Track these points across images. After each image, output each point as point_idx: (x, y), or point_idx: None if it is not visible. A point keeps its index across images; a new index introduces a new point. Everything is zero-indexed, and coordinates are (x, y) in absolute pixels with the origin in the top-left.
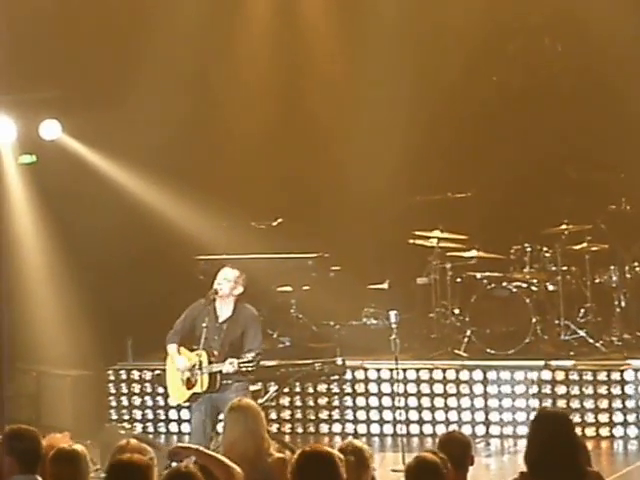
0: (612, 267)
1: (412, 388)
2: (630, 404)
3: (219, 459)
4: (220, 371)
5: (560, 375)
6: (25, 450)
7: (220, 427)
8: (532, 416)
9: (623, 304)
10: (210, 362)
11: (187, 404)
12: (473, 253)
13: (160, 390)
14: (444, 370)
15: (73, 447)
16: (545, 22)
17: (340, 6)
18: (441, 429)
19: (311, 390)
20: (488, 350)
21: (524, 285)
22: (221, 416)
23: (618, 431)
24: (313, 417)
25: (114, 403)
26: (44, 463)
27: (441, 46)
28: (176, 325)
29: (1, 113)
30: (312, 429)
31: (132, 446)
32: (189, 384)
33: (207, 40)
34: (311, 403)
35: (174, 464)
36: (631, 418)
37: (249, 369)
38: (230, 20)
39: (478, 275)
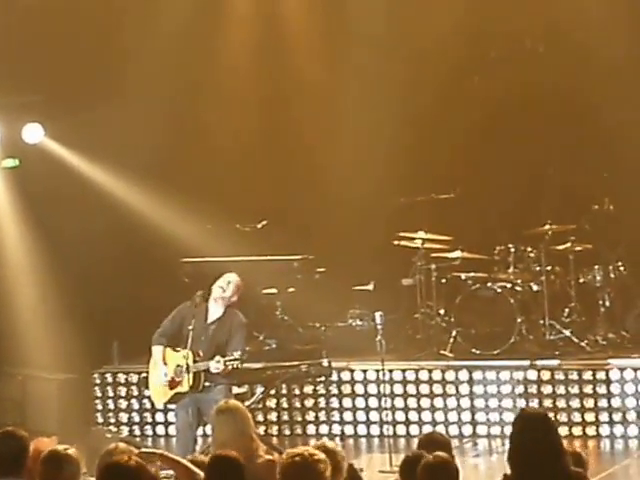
0: (596, 267)
1: (398, 389)
2: (616, 403)
3: (183, 464)
4: (206, 370)
5: (546, 375)
6: (10, 452)
7: (203, 429)
8: None
9: (607, 303)
10: (195, 362)
11: (173, 406)
12: (457, 254)
13: (146, 393)
14: (430, 371)
15: (67, 451)
16: (526, 26)
17: (324, 10)
18: (428, 429)
19: (297, 392)
20: (474, 350)
21: (508, 285)
22: (205, 418)
23: (604, 430)
24: (300, 419)
25: (100, 406)
26: (31, 466)
27: (425, 49)
28: (164, 325)
29: None
30: (299, 431)
31: (120, 450)
32: (172, 384)
33: (190, 43)
34: (298, 405)
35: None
36: (617, 417)
37: (235, 366)
38: (213, 22)
39: (463, 276)
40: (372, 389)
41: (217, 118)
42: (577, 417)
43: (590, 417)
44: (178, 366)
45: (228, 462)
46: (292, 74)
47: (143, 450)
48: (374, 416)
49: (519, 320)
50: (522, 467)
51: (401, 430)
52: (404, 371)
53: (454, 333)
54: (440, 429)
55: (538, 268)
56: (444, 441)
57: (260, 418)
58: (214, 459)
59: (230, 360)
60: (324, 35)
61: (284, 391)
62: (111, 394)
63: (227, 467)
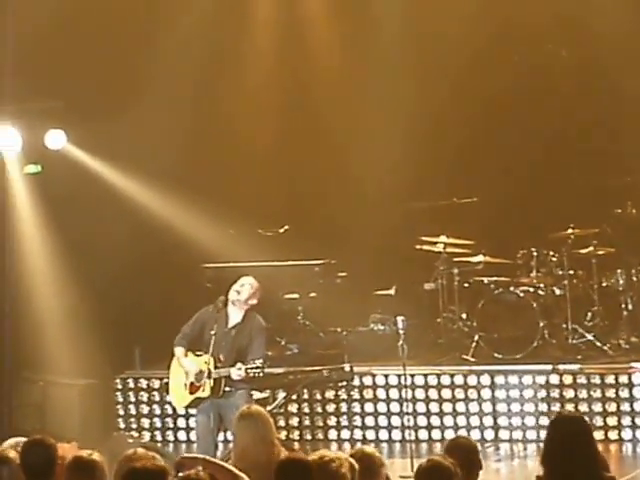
0: (619, 270)
1: (420, 394)
2: (638, 407)
3: (226, 467)
4: (227, 376)
5: (568, 379)
6: (39, 463)
7: (224, 435)
8: (541, 420)
9: (630, 307)
10: (216, 367)
11: (194, 411)
12: (480, 258)
13: (168, 398)
14: (452, 375)
15: (92, 456)
16: (548, 27)
17: (344, 13)
18: (450, 434)
19: (319, 397)
20: (496, 355)
21: (531, 289)
22: (225, 423)
23: (626, 434)
24: (321, 424)
25: (122, 412)
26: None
27: (444, 52)
28: (185, 328)
29: (6, 123)
30: (321, 436)
31: (139, 455)
32: (192, 388)
33: (210, 47)
34: (319, 410)
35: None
36: (639, 421)
37: (256, 375)
38: (233, 26)
39: (485, 280)
40: (394, 394)
41: (239, 122)
42: (599, 421)
43: (612, 421)
44: (200, 371)
45: (297, 465)
46: (313, 80)
47: (185, 455)
48: (396, 421)
49: (541, 324)
50: (556, 469)
51: (423, 435)
52: (426, 376)
53: (476, 337)
54: (462, 434)
55: (561, 272)
56: (470, 445)
57: (282, 423)
58: (283, 462)
59: (251, 368)
60: (345, 41)
61: (306, 396)
62: (133, 399)
63: (296, 470)
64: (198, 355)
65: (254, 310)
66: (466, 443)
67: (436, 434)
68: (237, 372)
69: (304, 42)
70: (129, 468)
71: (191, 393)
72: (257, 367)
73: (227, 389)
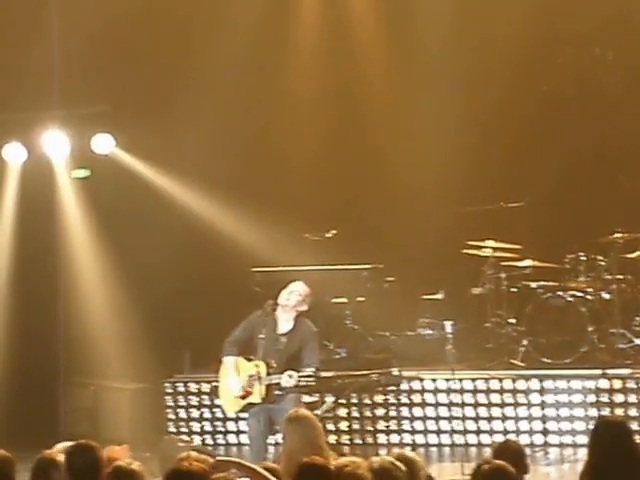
0: None
1: (469, 398)
2: None
3: (259, 472)
4: (278, 383)
5: (617, 383)
6: (83, 466)
7: (274, 438)
8: (591, 425)
9: None
10: (268, 374)
11: (245, 415)
12: (528, 262)
13: (218, 402)
14: (501, 380)
15: (131, 466)
16: (594, 31)
17: (390, 18)
18: (498, 439)
19: (368, 401)
20: (544, 359)
21: (579, 294)
22: (276, 426)
23: None
24: (371, 428)
25: (172, 416)
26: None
27: (492, 55)
28: (234, 334)
29: (55, 128)
30: (370, 440)
31: (193, 459)
32: (244, 394)
33: (257, 50)
34: (368, 414)
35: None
36: None
37: (309, 383)
38: (278, 30)
39: (533, 284)
40: (442, 398)
41: (286, 128)
42: None
43: None
44: (250, 376)
45: (317, 470)
46: (360, 84)
47: (219, 458)
48: (445, 425)
49: (590, 329)
50: (601, 474)
51: (472, 439)
52: (474, 380)
53: (525, 342)
54: (511, 438)
55: (609, 276)
56: (518, 449)
57: (331, 427)
58: (303, 466)
59: (303, 376)
60: (392, 45)
61: (354, 400)
62: (183, 403)
63: (316, 475)
64: (249, 360)
65: (304, 316)
66: (514, 447)
67: (485, 438)
68: (288, 380)
69: (350, 46)
70: (173, 468)
71: (243, 398)
72: (309, 375)
73: (278, 392)
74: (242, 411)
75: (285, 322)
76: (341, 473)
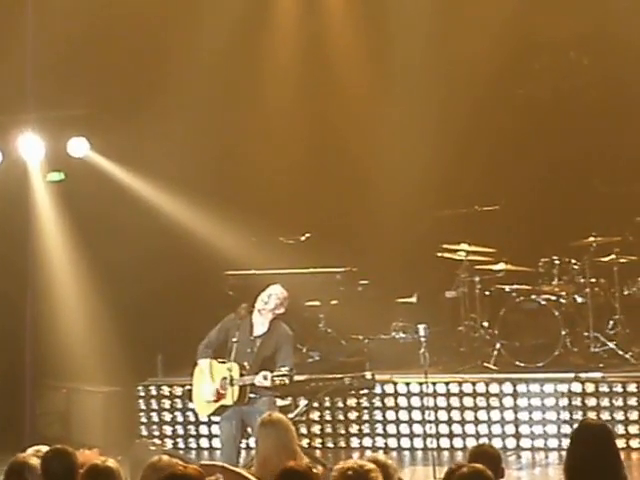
0: None
1: (442, 402)
2: None
3: (244, 475)
4: (252, 384)
5: (590, 387)
6: (60, 472)
7: (245, 442)
8: (563, 428)
9: None
10: (241, 375)
11: (217, 419)
12: (501, 266)
13: (191, 405)
14: (474, 383)
15: (106, 463)
16: (570, 36)
17: (367, 31)
18: (471, 442)
19: (341, 404)
20: (517, 363)
21: (553, 297)
22: (249, 430)
23: None
24: (343, 431)
25: (144, 419)
26: None
27: (468, 61)
28: (210, 336)
29: (29, 131)
30: (342, 443)
31: (164, 462)
32: (217, 396)
33: (235, 56)
34: (341, 417)
35: None
36: None
37: (284, 383)
38: (257, 38)
39: (507, 288)
40: (415, 402)
41: (261, 131)
42: (621, 429)
43: (634, 429)
44: (223, 378)
45: (298, 474)
46: (335, 88)
47: (203, 462)
48: (417, 429)
49: (563, 332)
50: (579, 477)
51: (445, 443)
52: (448, 384)
53: (498, 345)
54: (483, 442)
55: (582, 280)
56: (494, 453)
57: (303, 430)
58: (284, 472)
59: (278, 376)
60: (368, 49)
61: (327, 403)
62: (155, 407)
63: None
64: (222, 362)
65: (280, 319)
66: (490, 451)
67: (458, 442)
68: (262, 380)
69: (327, 57)
70: (169, 473)
71: (216, 401)
72: (283, 375)
73: (251, 395)
74: (215, 414)
75: (260, 325)
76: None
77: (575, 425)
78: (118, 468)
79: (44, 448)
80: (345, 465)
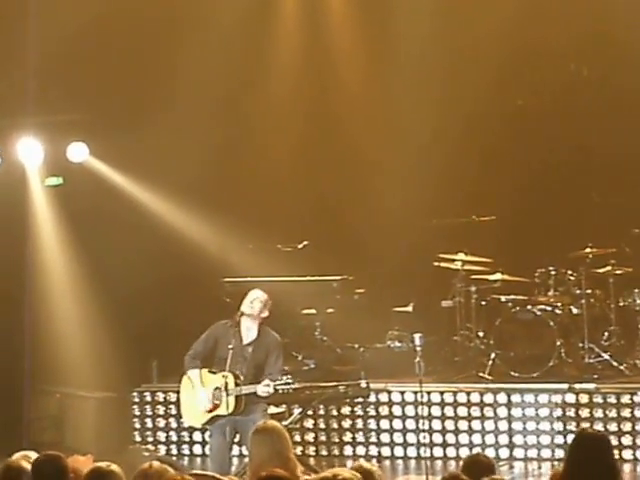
0: (636, 290)
1: (436, 411)
2: None
3: None
4: (253, 393)
5: (584, 398)
6: (52, 475)
7: (238, 450)
8: (557, 439)
9: None
10: (237, 384)
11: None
12: (498, 276)
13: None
14: (468, 393)
15: (110, 467)
16: (570, 46)
17: (368, 26)
18: (465, 452)
19: (335, 412)
20: (512, 373)
21: (548, 308)
22: (241, 438)
23: None
24: (337, 440)
25: (138, 425)
26: None
27: (465, 70)
28: (196, 346)
29: (28, 135)
30: (336, 452)
31: (155, 469)
32: (212, 407)
33: (235, 62)
34: (335, 426)
35: None
36: None
37: (285, 391)
38: (257, 43)
39: (503, 298)
40: (410, 411)
41: (260, 139)
42: (614, 440)
43: (627, 441)
44: (216, 388)
45: None
46: (336, 96)
47: (195, 472)
48: (411, 438)
49: (558, 343)
50: None
51: (438, 452)
52: (442, 393)
53: (493, 355)
54: (480, 452)
55: (578, 291)
56: (488, 463)
57: (297, 438)
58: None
59: (280, 384)
60: (368, 56)
61: (322, 412)
62: (149, 413)
63: None
64: (213, 372)
65: (266, 323)
66: (484, 461)
67: (451, 452)
68: (264, 389)
69: (327, 58)
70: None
71: (209, 412)
72: (286, 383)
73: (251, 404)
74: (207, 424)
75: (249, 331)
76: None
77: (571, 435)
78: (121, 473)
79: (31, 453)
80: (319, 476)
